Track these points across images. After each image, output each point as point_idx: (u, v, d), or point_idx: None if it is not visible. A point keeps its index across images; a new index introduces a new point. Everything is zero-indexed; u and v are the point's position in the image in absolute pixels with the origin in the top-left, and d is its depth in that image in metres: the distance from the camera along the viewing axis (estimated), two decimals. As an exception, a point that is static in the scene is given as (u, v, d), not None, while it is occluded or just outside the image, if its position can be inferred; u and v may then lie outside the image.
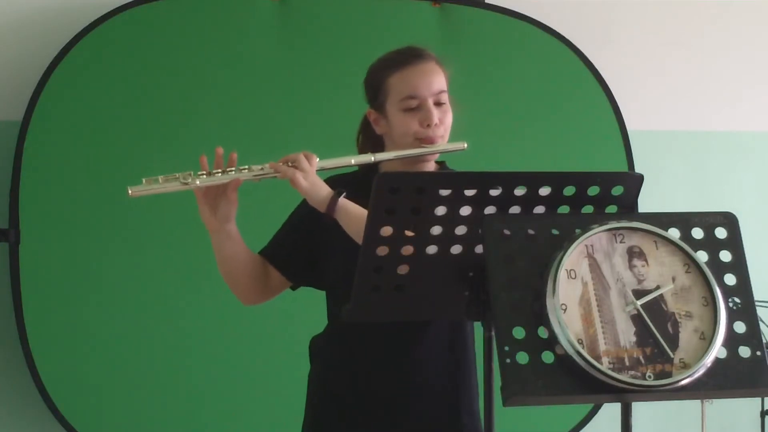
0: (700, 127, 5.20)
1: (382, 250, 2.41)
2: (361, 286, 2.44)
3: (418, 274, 2.43)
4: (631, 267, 2.29)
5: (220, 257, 2.97)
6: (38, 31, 4.51)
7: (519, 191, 2.38)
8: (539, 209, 2.40)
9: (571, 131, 4.91)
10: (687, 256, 2.31)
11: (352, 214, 2.79)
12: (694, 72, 5.20)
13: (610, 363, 2.20)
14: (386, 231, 2.39)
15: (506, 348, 2.19)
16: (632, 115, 4.99)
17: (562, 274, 2.24)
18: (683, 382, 2.22)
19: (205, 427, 4.51)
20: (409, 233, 2.40)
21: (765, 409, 4.77)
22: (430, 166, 2.98)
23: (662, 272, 2.29)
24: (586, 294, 2.24)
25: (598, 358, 2.20)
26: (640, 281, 2.28)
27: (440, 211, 2.38)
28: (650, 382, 2.21)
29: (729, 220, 2.36)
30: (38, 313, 4.39)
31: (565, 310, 2.21)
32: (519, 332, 2.20)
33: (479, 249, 2.37)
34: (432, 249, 2.41)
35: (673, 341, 2.24)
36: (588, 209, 2.42)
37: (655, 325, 2.24)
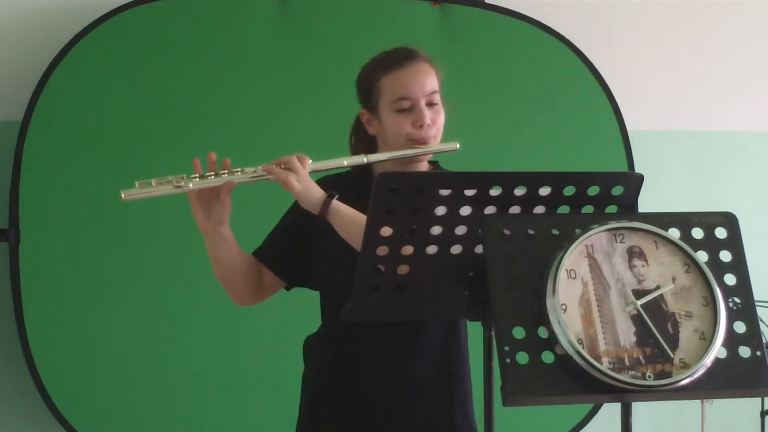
0: (700, 127, 5.20)
1: (382, 250, 2.41)
2: (361, 286, 2.44)
3: (418, 274, 2.43)
4: (631, 267, 2.29)
5: (214, 260, 2.97)
6: (38, 31, 4.51)
7: (519, 191, 2.38)
8: (539, 209, 2.40)
9: (571, 131, 4.91)
10: (687, 256, 2.31)
11: (345, 216, 2.79)
12: (694, 72, 5.20)
13: (610, 363, 2.20)
14: (386, 231, 2.39)
15: (506, 348, 2.19)
16: (632, 115, 4.99)
17: (562, 274, 2.24)
18: (683, 382, 2.22)
19: (204, 426, 4.51)
20: (409, 233, 2.40)
21: (765, 409, 4.77)
22: (423, 166, 2.98)
23: (662, 272, 2.29)
24: (586, 294, 2.24)
25: (598, 358, 2.20)
26: (640, 281, 2.28)
27: (440, 211, 2.38)
28: (650, 382, 2.21)
29: (729, 220, 2.36)
30: (38, 313, 4.39)
31: (565, 310, 2.21)
32: (519, 332, 2.20)
33: (479, 249, 2.36)
34: (432, 249, 2.41)
35: (673, 341, 2.24)
36: (588, 209, 2.42)
37: (655, 325, 2.24)
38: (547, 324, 2.21)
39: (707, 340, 2.25)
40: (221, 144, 4.14)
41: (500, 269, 2.25)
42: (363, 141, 3.00)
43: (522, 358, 2.19)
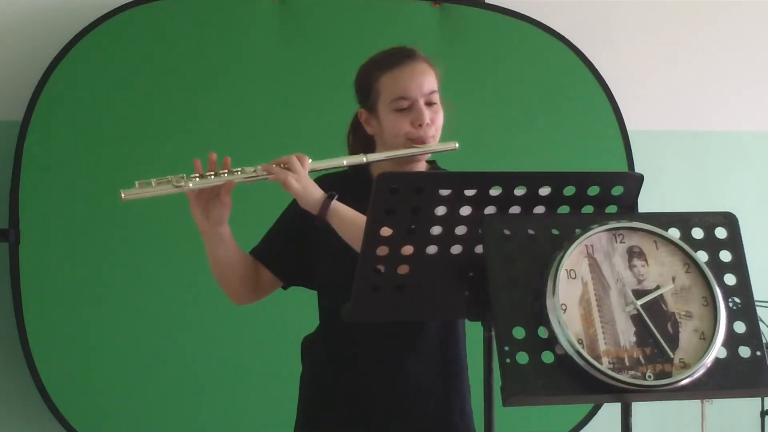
0: (700, 127, 5.20)
1: (382, 250, 2.41)
2: (361, 286, 2.44)
3: (418, 274, 2.43)
4: (631, 267, 2.29)
5: (213, 259, 2.97)
6: (38, 31, 4.51)
7: (519, 191, 2.38)
8: (539, 209, 2.40)
9: (571, 131, 4.91)
10: (687, 256, 2.31)
11: (345, 217, 2.78)
12: (694, 72, 5.20)
13: (610, 363, 2.20)
14: (386, 231, 2.39)
15: (506, 348, 2.19)
16: (632, 115, 4.99)
17: (562, 274, 2.24)
18: (683, 382, 2.22)
19: (203, 426, 4.51)
20: (408, 233, 2.40)
21: (765, 409, 4.77)
22: (421, 166, 2.98)
23: (662, 272, 2.29)
24: (586, 294, 2.24)
25: (598, 358, 2.20)
26: (640, 281, 2.28)
27: (440, 211, 2.38)
28: (650, 382, 2.21)
29: (729, 220, 2.36)
30: (38, 313, 4.39)
31: (565, 310, 2.21)
32: (519, 332, 2.20)
33: (479, 249, 2.36)
34: (432, 249, 2.41)
35: (673, 341, 2.24)
36: (588, 209, 2.42)
37: (655, 325, 2.24)
38: (547, 324, 2.21)
39: (707, 340, 2.25)
40: (221, 144, 4.14)
41: (500, 269, 2.25)
42: (360, 141, 3.00)
43: (522, 358, 2.19)
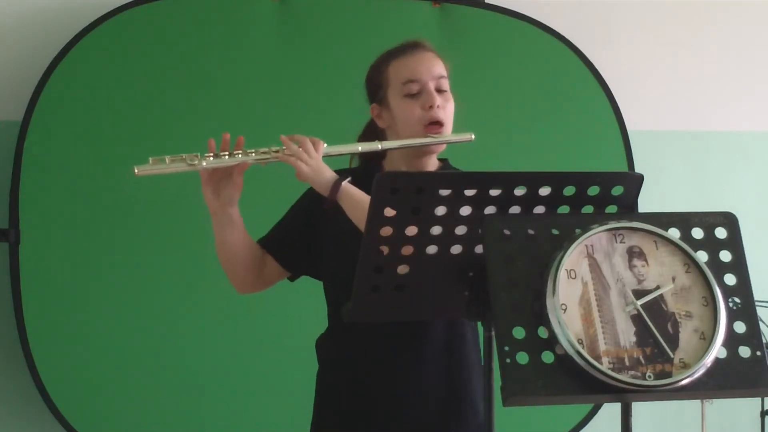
0: (700, 127, 5.20)
1: (382, 250, 2.41)
2: (361, 286, 2.44)
3: (418, 274, 2.43)
4: (631, 267, 2.28)
5: (220, 242, 2.97)
6: (38, 31, 4.51)
7: (519, 191, 2.38)
8: (539, 209, 2.40)
9: (571, 131, 4.91)
10: (687, 256, 2.31)
11: (356, 198, 2.79)
12: (694, 72, 5.20)
13: (610, 363, 2.20)
14: (386, 231, 2.39)
15: (506, 348, 2.18)
16: (632, 115, 4.99)
17: (562, 274, 2.24)
18: (683, 382, 2.22)
19: (203, 426, 4.51)
20: (409, 233, 2.40)
21: (765, 409, 4.77)
22: (433, 161, 2.98)
23: (662, 272, 2.29)
24: (586, 294, 2.24)
25: (598, 358, 2.20)
26: (640, 281, 2.28)
27: (440, 211, 2.38)
28: (650, 382, 2.21)
29: (729, 220, 2.36)
30: (38, 313, 4.39)
31: (565, 310, 2.21)
32: (519, 332, 2.20)
33: (479, 249, 2.36)
34: (432, 249, 2.40)
35: (673, 341, 2.24)
36: (588, 209, 2.42)
37: (655, 325, 2.24)
38: (547, 324, 2.21)
39: (707, 340, 2.25)
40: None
41: (500, 269, 2.24)
42: (371, 138, 3.00)
43: (522, 358, 2.19)
